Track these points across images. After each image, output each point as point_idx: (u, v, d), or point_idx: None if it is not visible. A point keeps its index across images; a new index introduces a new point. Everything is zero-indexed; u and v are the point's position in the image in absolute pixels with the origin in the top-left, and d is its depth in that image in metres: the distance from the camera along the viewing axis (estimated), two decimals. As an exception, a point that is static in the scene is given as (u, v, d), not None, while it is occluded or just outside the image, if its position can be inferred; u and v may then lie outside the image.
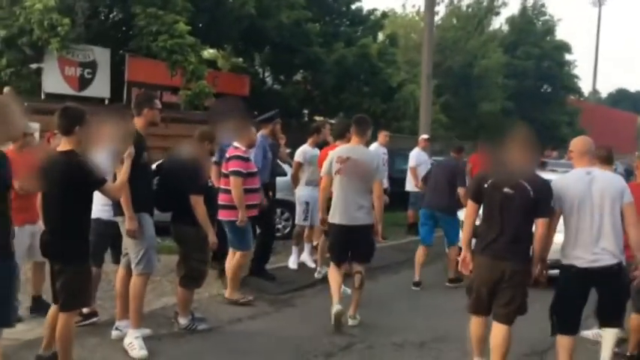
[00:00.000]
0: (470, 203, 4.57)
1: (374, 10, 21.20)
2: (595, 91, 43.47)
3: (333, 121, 13.36)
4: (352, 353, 5.13)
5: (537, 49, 30.55)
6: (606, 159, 5.03)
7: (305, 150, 7.70)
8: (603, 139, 16.03)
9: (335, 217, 5.70)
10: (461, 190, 7.29)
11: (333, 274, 5.78)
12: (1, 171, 3.35)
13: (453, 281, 7.44)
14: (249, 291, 6.60)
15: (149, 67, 13.87)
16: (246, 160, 6.17)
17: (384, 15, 21.70)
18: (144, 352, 4.73)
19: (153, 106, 4.97)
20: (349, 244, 5.74)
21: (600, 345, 4.58)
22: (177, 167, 5.21)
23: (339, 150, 5.88)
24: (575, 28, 42.24)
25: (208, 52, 17.05)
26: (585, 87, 39.60)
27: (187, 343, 5.16)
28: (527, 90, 29.98)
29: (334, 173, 5.70)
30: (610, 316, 4.40)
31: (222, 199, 6.06)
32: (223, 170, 6.21)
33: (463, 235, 4.75)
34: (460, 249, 5.63)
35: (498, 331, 4.33)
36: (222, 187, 6.16)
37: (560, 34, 38.25)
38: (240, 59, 19.10)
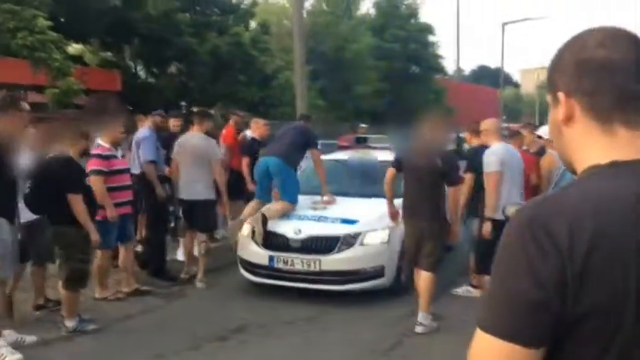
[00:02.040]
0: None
1: (243, -1, 21.22)
2: (459, 69, 46.08)
3: (212, 111, 13.34)
4: (246, 334, 5.32)
5: (403, 32, 31.94)
6: (476, 131, 6.14)
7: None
8: (469, 114, 17.12)
9: (180, 194, 6.83)
10: (316, 152, 7.06)
11: (187, 244, 7.00)
12: None
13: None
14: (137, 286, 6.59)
15: (9, 66, 13.05)
16: (107, 157, 5.96)
17: (255, 3, 21.77)
18: (18, 356, 4.59)
19: (19, 107, 4.80)
20: (191, 216, 6.79)
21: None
22: (52, 167, 5.09)
23: (181, 138, 7.00)
24: (439, 11, 44.75)
25: (74, 48, 16.30)
26: (450, 66, 42.15)
27: (77, 345, 5.08)
28: (397, 71, 31.35)
29: (177, 157, 6.81)
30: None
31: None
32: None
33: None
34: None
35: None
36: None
37: (425, 16, 40.88)
38: (109, 53, 18.45)
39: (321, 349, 5.04)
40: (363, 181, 7.33)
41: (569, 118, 1.07)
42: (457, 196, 5.39)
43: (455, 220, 5.44)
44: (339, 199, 6.79)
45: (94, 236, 5.19)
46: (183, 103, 20.27)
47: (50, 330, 5.30)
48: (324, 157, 7.47)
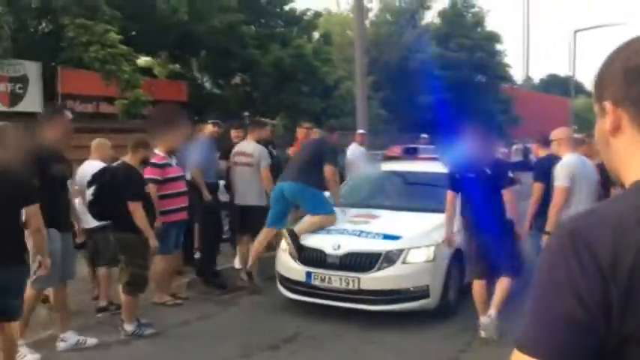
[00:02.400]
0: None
1: (307, 10, 21.40)
2: (528, 78, 44.89)
3: (274, 122, 13.53)
4: (296, 344, 5.33)
5: (468, 41, 31.37)
6: (543, 142, 6.20)
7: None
8: (538, 124, 16.61)
9: (234, 199, 7.17)
10: (328, 168, 6.54)
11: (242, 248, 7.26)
12: None
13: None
14: (195, 292, 6.77)
15: (82, 78, 13.65)
16: (161, 166, 6.11)
17: (318, 14, 21.95)
18: (36, 356, 4.73)
19: (63, 116, 4.99)
20: (242, 221, 7.12)
21: None
22: (114, 176, 5.28)
23: (237, 146, 7.29)
24: (507, 18, 43.86)
25: (143, 60, 16.90)
26: (518, 74, 41.16)
27: (134, 348, 5.23)
28: (462, 81, 30.77)
29: (234, 164, 7.16)
30: None
31: None
32: None
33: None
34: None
35: None
36: None
37: (493, 24, 40.43)
38: (177, 65, 19.02)
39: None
40: (409, 195, 7.23)
41: (616, 129, 1.03)
42: (512, 197, 5.30)
43: (518, 221, 5.39)
44: (382, 212, 6.50)
45: (153, 242, 5.35)
46: (246, 113, 20.63)
47: (111, 333, 5.48)
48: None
